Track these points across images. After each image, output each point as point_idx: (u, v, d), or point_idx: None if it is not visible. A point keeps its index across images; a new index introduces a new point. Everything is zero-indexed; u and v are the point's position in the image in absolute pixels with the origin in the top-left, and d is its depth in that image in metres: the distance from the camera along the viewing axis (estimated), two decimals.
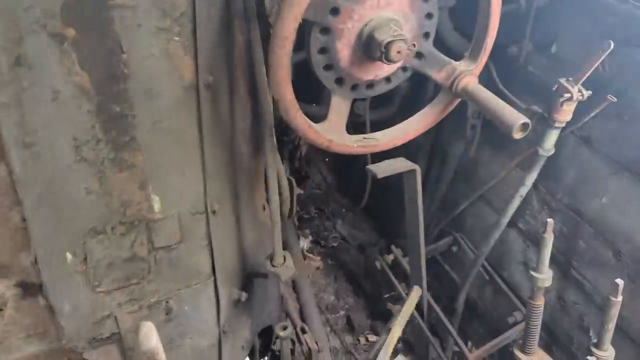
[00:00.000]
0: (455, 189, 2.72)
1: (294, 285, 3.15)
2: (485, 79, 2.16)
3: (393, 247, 2.99)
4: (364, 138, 1.84)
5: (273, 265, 2.02)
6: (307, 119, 1.69)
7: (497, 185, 2.37)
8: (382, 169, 2.32)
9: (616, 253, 1.85)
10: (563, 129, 1.85)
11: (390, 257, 2.98)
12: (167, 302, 1.87)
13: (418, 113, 1.90)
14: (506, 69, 2.11)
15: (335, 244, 3.45)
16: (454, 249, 2.76)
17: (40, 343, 1.76)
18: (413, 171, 2.33)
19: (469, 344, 2.70)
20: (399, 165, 2.34)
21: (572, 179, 1.99)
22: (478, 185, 2.50)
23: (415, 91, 2.70)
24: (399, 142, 1.89)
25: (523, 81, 2.07)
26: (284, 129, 3.37)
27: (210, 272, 1.93)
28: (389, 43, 1.56)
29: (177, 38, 1.53)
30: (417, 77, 2.60)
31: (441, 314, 2.65)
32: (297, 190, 2.63)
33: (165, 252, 1.79)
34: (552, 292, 2.18)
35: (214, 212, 1.84)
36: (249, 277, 2.20)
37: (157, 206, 1.71)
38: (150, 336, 0.85)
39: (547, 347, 2.26)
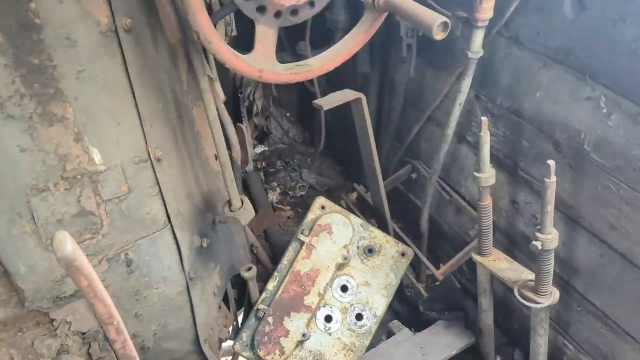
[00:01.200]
0: (407, 116, 2.74)
1: (267, 236, 3.20)
2: None
3: (355, 185, 3.03)
4: (296, 65, 1.84)
5: (231, 210, 2.05)
6: (233, 50, 1.69)
7: (442, 104, 2.40)
8: (328, 101, 2.34)
9: (556, 144, 1.90)
10: (489, 29, 1.87)
11: (354, 195, 3.03)
12: (126, 254, 1.89)
13: (347, 35, 1.90)
14: None
15: (303, 193, 3.48)
16: (413, 176, 2.81)
17: (5, 309, 1.78)
18: (359, 99, 2.36)
19: (440, 265, 2.76)
20: (344, 95, 2.36)
21: (507, 81, 2.02)
22: (426, 108, 2.53)
23: (355, 24, 2.69)
24: (331, 66, 1.89)
25: None
26: (237, 86, 3.37)
27: (165, 220, 1.94)
28: None
29: None
30: (356, 11, 2.62)
31: (408, 240, 2.71)
32: (252, 141, 2.64)
33: (115, 204, 1.80)
34: (505, 197, 2.24)
35: (158, 159, 1.85)
36: (210, 224, 2.23)
37: (97, 158, 1.71)
38: (64, 242, 0.86)
39: (508, 251, 2.33)
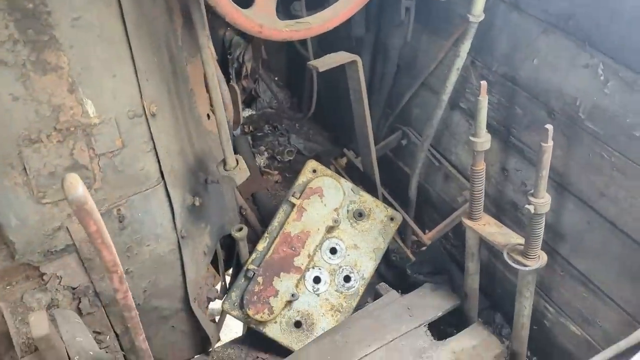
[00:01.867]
0: (400, 82, 2.74)
1: (254, 199, 3.19)
2: None
3: (345, 150, 3.03)
4: (296, 22, 1.81)
5: (226, 170, 2.04)
6: (234, 3, 1.65)
7: (437, 70, 2.40)
8: (323, 63, 2.32)
9: (550, 112, 1.92)
10: None
11: (344, 160, 3.03)
12: (118, 210, 1.87)
13: None
14: None
15: (291, 158, 3.47)
16: (404, 142, 2.82)
17: None
18: (354, 62, 2.34)
19: (426, 231, 2.80)
20: (340, 57, 2.34)
21: (505, 47, 2.03)
22: (420, 74, 2.52)
23: None
24: (331, 25, 1.87)
25: None
26: (226, 47, 3.31)
27: (158, 177, 1.92)
28: None
29: None
30: None
31: (397, 205, 2.74)
32: (242, 101, 2.59)
33: (109, 159, 1.77)
34: (496, 164, 2.27)
35: (153, 115, 1.82)
36: (202, 184, 2.21)
37: (91, 110, 1.68)
38: (76, 185, 0.85)
39: (495, 218, 2.37)
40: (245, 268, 2.38)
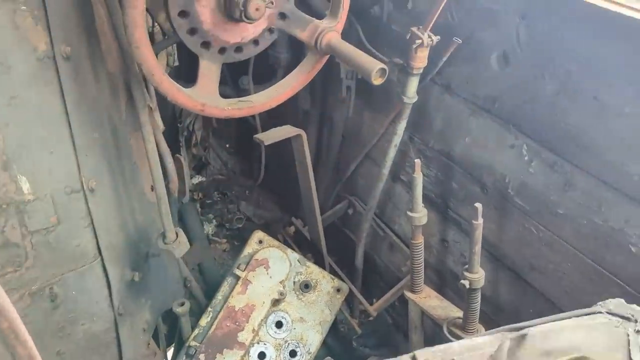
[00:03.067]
0: (345, 154, 2.82)
1: (201, 269, 3.13)
2: (354, 39, 2.27)
3: (293, 219, 3.05)
4: (239, 101, 1.86)
5: (165, 243, 2.02)
6: (176, 83, 1.69)
7: (379, 144, 2.49)
8: (269, 137, 2.37)
9: (483, 187, 2.01)
10: (424, 77, 1.99)
11: (292, 229, 3.05)
12: (51, 288, 1.81)
13: (290, 74, 1.96)
14: (372, 28, 2.22)
15: (240, 225, 3.46)
16: (350, 211, 2.87)
17: None
18: (299, 136, 2.40)
19: (373, 301, 2.80)
20: (285, 131, 2.40)
21: (440, 125, 2.14)
22: (364, 146, 2.61)
23: (297, 62, 2.76)
24: (274, 103, 1.93)
25: (386, 38, 2.20)
26: (176, 116, 3.34)
27: (96, 253, 1.88)
28: (247, 0, 1.60)
29: (24, 7, 1.48)
30: (297, 49, 2.69)
31: (343, 276, 2.75)
32: (190, 172, 2.59)
33: (42, 236, 1.72)
34: (436, 235, 2.33)
35: (92, 190, 1.80)
36: (143, 258, 2.17)
37: (25, 187, 1.64)
38: None
39: (438, 288, 2.41)
40: (186, 345, 2.31)
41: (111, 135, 1.89)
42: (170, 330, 2.60)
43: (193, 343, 2.29)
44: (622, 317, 1.33)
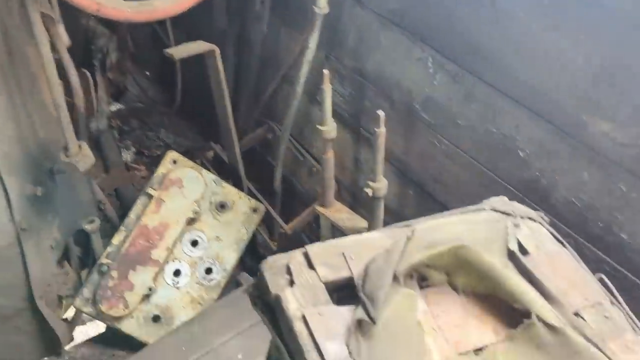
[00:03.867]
0: (264, 76, 2.77)
1: (118, 195, 3.07)
2: None
3: (212, 144, 3.01)
4: (140, 4, 1.78)
5: (67, 156, 1.94)
6: None
7: (296, 64, 2.46)
8: (180, 51, 2.29)
9: (392, 104, 2.05)
10: None
11: (211, 154, 3.01)
12: None
13: None
14: None
15: (159, 152, 3.38)
16: (270, 136, 2.86)
17: None
18: (213, 52, 2.33)
19: None
20: (197, 47, 2.32)
21: (352, 41, 2.13)
22: (281, 68, 2.57)
23: None
24: (179, 8, 1.85)
25: None
26: (89, 36, 3.16)
27: None
28: None
29: None
30: None
31: (261, 198, 2.77)
32: (107, 98, 2.49)
33: None
34: (350, 155, 2.38)
35: None
36: (46, 173, 2.09)
37: None
38: None
39: (352, 207, 2.48)
40: (99, 262, 2.28)
41: (2, 41, 1.77)
42: (84, 253, 2.56)
43: (105, 260, 2.26)
44: (504, 212, 1.43)
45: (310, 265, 1.19)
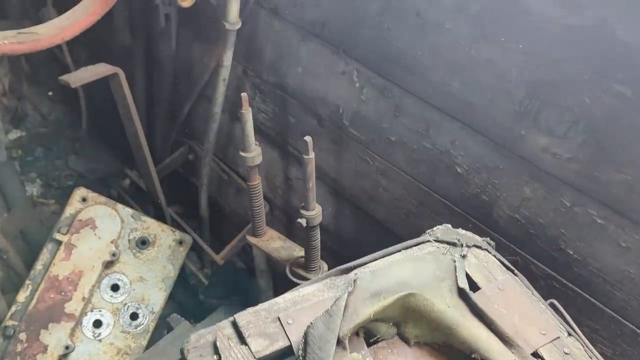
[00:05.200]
0: (178, 94, 2.55)
1: (24, 237, 2.74)
2: None
3: (127, 171, 2.76)
4: (18, 33, 1.52)
5: None
6: None
7: (212, 80, 2.26)
8: (78, 78, 2.03)
9: (319, 120, 1.90)
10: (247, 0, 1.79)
11: (127, 182, 2.76)
12: None
13: None
14: None
15: (71, 183, 3.07)
16: (191, 157, 2.64)
17: None
18: (116, 75, 2.09)
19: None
20: (99, 70, 2.07)
21: (271, 55, 1.97)
22: (197, 84, 2.37)
23: None
24: (67, 35, 1.61)
25: None
26: None
27: None
28: None
29: None
30: None
31: (186, 226, 2.56)
32: (4, 126, 2.19)
33: None
34: (280, 174, 2.22)
35: None
36: None
37: None
38: None
39: (286, 228, 2.33)
40: (3, 325, 1.99)
41: None
42: None
43: (10, 322, 1.98)
44: (449, 243, 1.32)
45: (242, 339, 1.02)
